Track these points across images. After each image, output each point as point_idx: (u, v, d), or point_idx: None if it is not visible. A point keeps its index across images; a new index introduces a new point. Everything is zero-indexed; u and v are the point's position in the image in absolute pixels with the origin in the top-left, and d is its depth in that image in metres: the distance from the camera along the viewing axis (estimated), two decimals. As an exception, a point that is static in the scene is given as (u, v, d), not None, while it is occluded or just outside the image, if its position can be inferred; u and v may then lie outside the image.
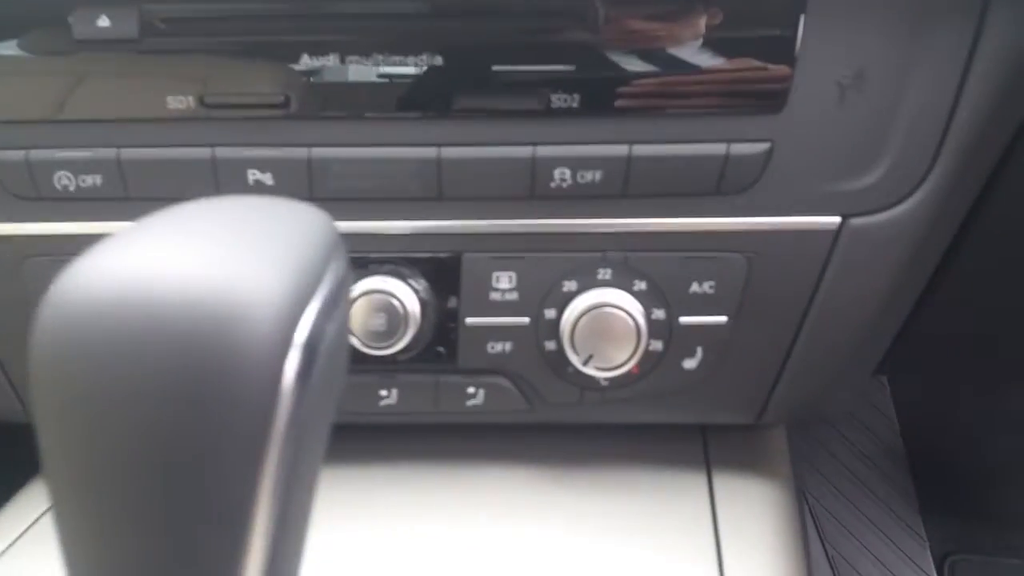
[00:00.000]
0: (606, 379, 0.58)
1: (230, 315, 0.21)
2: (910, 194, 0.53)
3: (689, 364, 0.59)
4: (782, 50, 0.49)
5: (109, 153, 0.53)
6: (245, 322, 0.21)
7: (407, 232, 0.56)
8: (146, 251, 0.23)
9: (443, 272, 0.57)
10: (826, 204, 0.54)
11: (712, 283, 0.56)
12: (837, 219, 0.54)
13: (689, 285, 0.56)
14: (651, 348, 0.57)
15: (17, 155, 0.53)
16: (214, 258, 0.23)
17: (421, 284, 0.57)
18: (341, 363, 0.27)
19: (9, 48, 0.51)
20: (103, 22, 0.50)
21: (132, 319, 0.21)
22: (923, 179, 0.53)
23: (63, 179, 0.53)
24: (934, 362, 0.99)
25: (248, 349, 0.21)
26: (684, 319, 0.57)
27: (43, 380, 0.22)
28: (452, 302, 0.58)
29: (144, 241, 0.24)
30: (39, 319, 0.22)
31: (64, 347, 0.21)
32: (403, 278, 0.56)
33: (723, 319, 0.57)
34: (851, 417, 1.35)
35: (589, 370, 0.56)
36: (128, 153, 0.53)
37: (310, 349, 0.23)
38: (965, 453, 1.31)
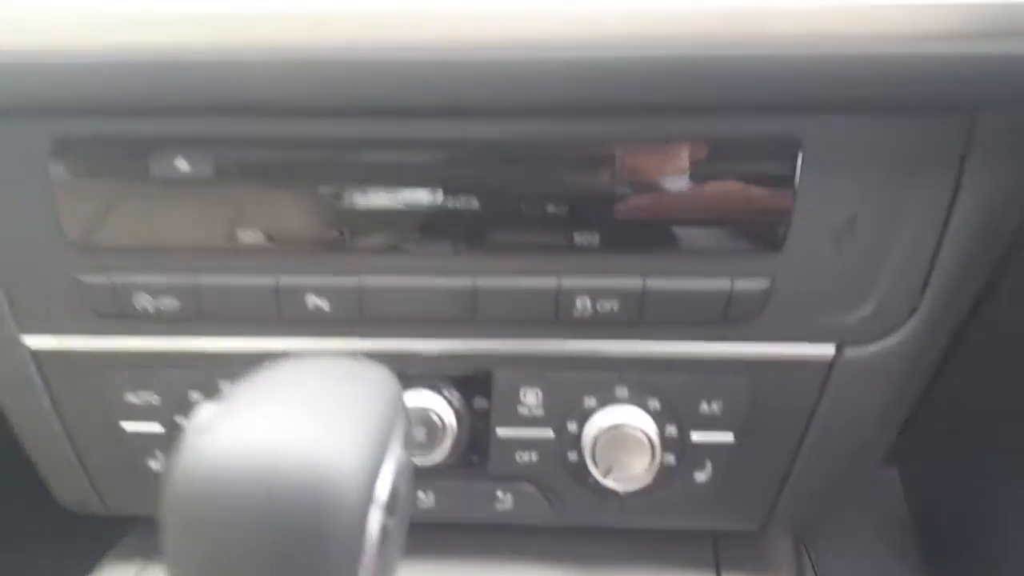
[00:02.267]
0: (624, 490, 0.63)
1: (322, 488, 0.27)
2: (900, 326, 0.59)
3: (700, 477, 0.64)
4: (781, 198, 0.55)
5: (185, 279, 0.60)
6: (334, 493, 0.27)
7: (445, 351, 0.62)
8: (253, 429, 0.30)
9: (476, 388, 0.63)
10: (822, 334, 0.60)
11: (719, 403, 0.62)
12: (832, 348, 0.60)
13: (699, 405, 0.62)
14: (665, 462, 0.62)
15: (102, 279, 0.60)
16: (306, 434, 0.29)
17: (456, 398, 0.63)
18: (410, 504, 0.33)
19: (97, 183, 0.58)
20: (182, 164, 0.57)
21: (244, 492, 0.27)
22: (911, 313, 0.59)
23: (143, 301, 0.60)
24: (938, 450, 1.03)
25: (338, 512, 0.27)
26: (695, 436, 0.63)
27: (179, 532, 0.28)
28: (484, 415, 0.64)
29: (250, 418, 0.30)
30: (174, 483, 0.28)
31: (197, 509, 0.28)
32: (441, 393, 0.63)
33: (730, 436, 0.63)
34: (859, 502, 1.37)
35: (608, 481, 0.62)
36: (202, 280, 0.60)
37: (388, 504, 0.29)
38: (975, 529, 1.32)
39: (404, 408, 0.36)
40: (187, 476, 0.28)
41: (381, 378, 0.37)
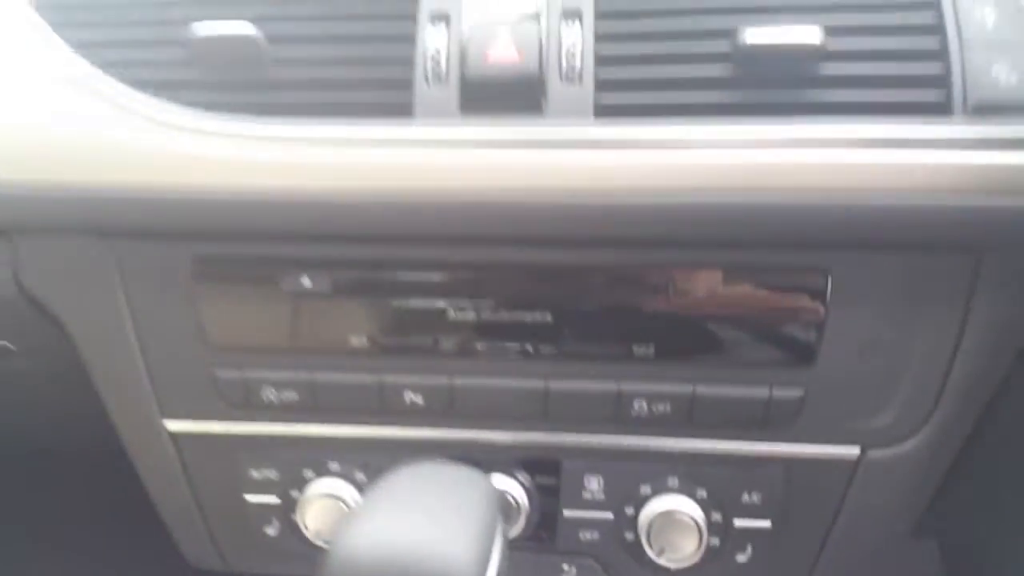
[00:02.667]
0: (675, 567, 0.72)
1: None
2: (917, 431, 0.68)
3: (741, 557, 0.73)
4: (813, 319, 0.65)
5: (304, 376, 0.71)
6: None
7: (520, 442, 0.72)
8: (391, 532, 0.41)
9: (546, 474, 0.73)
10: (848, 437, 0.69)
11: (758, 494, 0.71)
12: (857, 449, 0.69)
13: (740, 495, 0.71)
14: (711, 544, 0.72)
15: (235, 374, 0.72)
16: (432, 535, 0.40)
17: (529, 482, 0.73)
18: None
19: (233, 295, 0.70)
20: (305, 281, 0.69)
21: None
22: (927, 419, 0.68)
23: (268, 393, 0.72)
24: (976, 521, 1.08)
25: None
26: (737, 522, 0.72)
27: None
28: (553, 498, 0.74)
29: (387, 522, 0.41)
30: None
31: None
32: (515, 477, 0.73)
33: (767, 523, 0.72)
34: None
35: (661, 560, 0.71)
36: (318, 376, 0.71)
37: None
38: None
39: (500, 507, 0.47)
40: (340, 569, 0.39)
41: (481, 482, 0.48)
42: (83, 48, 0.66)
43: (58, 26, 0.67)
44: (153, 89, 0.65)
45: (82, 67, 0.66)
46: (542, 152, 0.60)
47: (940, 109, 0.59)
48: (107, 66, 0.66)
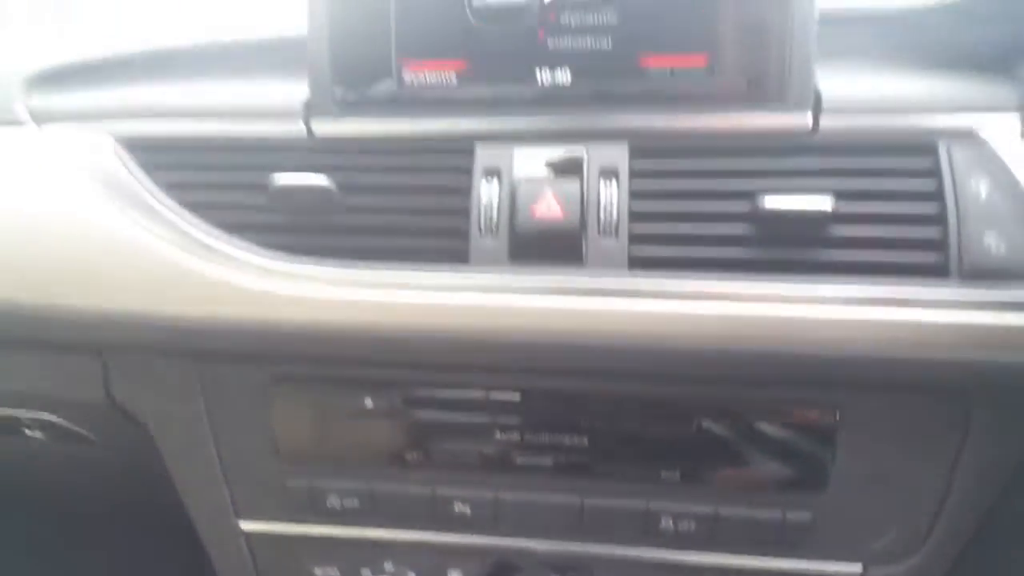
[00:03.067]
0: None
1: None
2: (916, 551, 0.74)
3: None
4: (823, 450, 0.72)
5: (365, 486, 0.79)
6: None
7: (556, 551, 0.79)
8: None
9: None
10: (852, 555, 0.76)
11: None
12: (859, 567, 0.76)
13: None
14: None
15: (303, 483, 0.80)
16: None
17: None
18: None
19: (305, 412, 0.79)
20: (368, 402, 0.77)
21: None
22: (927, 539, 0.74)
23: (332, 500, 0.80)
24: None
25: None
26: None
27: None
28: None
29: None
30: None
31: None
32: None
33: None
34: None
35: None
36: (377, 486, 0.79)
37: None
38: None
39: None
40: None
41: None
42: (173, 189, 0.76)
43: (149, 167, 0.77)
44: (237, 230, 0.74)
45: (172, 207, 0.75)
46: (580, 299, 0.68)
47: (938, 271, 0.66)
48: (194, 206, 0.75)
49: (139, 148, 0.77)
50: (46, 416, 0.91)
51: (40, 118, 0.78)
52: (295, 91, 0.75)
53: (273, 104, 0.75)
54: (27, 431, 0.95)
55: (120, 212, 0.74)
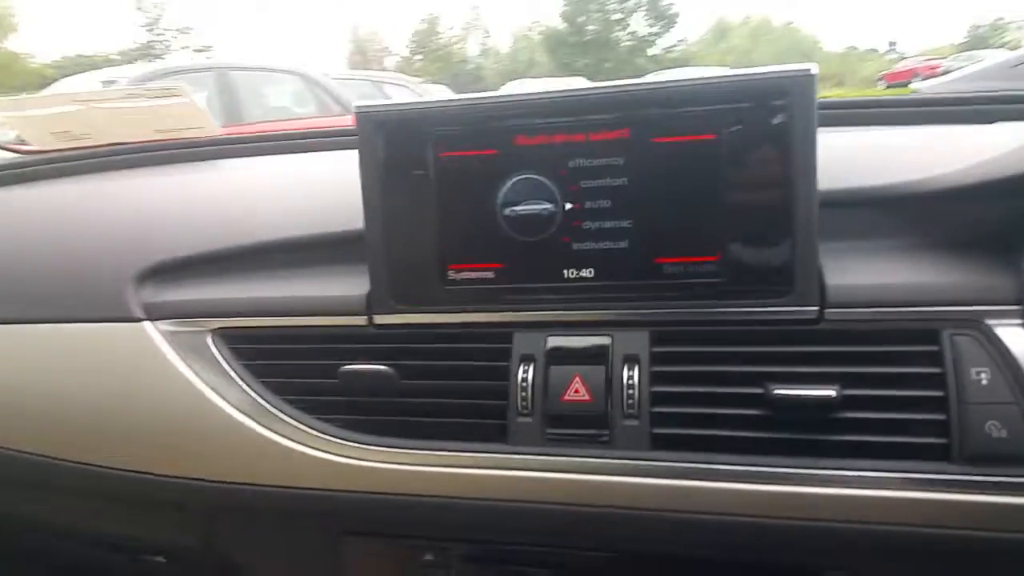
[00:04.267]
0: None
1: None
2: None
3: None
4: None
5: None
6: None
7: None
8: None
9: None
10: None
11: None
12: None
13: None
14: None
15: None
16: None
17: None
18: None
19: (369, 562, 0.89)
20: (428, 556, 0.87)
21: None
22: None
23: None
24: None
25: None
26: None
27: None
28: None
29: None
30: None
31: None
32: None
33: None
34: None
35: None
36: None
37: None
38: None
39: None
40: None
41: None
42: (262, 375, 0.89)
43: (243, 357, 0.90)
44: (313, 409, 0.86)
45: (260, 390, 0.88)
46: (606, 479, 0.76)
47: (940, 454, 0.70)
48: (278, 388, 0.88)
49: (234, 340, 0.90)
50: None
51: (152, 314, 0.93)
52: (358, 285, 0.87)
53: (341, 300, 0.87)
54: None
55: (219, 398, 0.88)
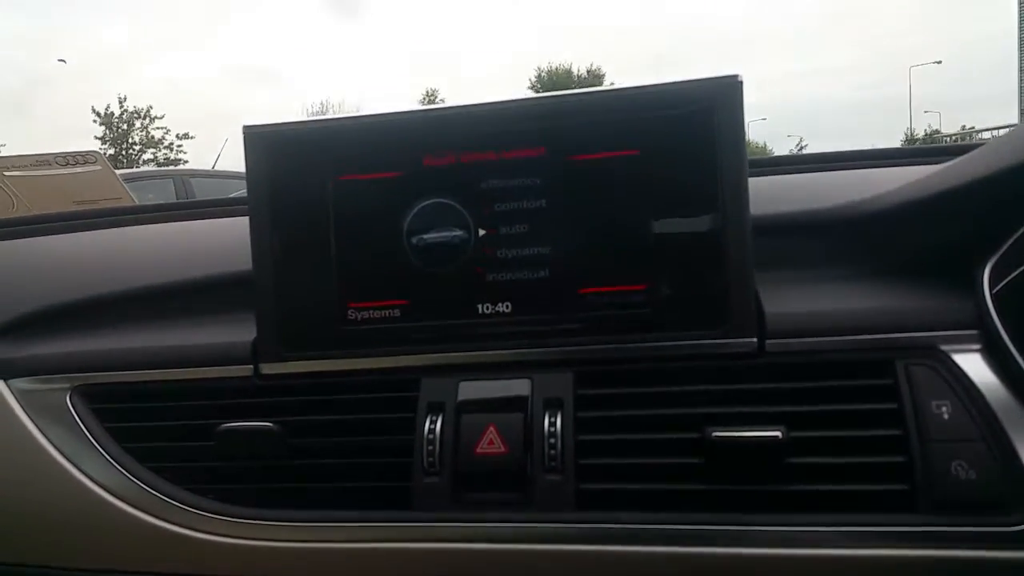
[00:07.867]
0: None
1: None
2: None
3: None
4: None
5: None
6: None
7: None
8: None
9: None
10: None
11: None
12: None
13: None
14: None
15: None
16: None
17: None
18: None
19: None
20: None
21: None
22: None
23: None
24: None
25: None
26: None
27: None
28: None
29: None
30: None
31: None
32: None
33: None
34: None
35: None
36: None
37: None
38: None
39: None
40: None
41: None
42: (127, 438, 0.76)
43: (104, 417, 0.77)
44: (183, 479, 0.74)
45: (121, 458, 0.75)
46: (523, 547, 0.65)
47: (903, 502, 0.61)
48: (144, 455, 0.75)
49: (96, 399, 0.78)
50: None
51: (4, 371, 0.80)
52: (244, 332, 0.76)
53: (220, 347, 0.76)
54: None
55: (76, 471, 0.75)
